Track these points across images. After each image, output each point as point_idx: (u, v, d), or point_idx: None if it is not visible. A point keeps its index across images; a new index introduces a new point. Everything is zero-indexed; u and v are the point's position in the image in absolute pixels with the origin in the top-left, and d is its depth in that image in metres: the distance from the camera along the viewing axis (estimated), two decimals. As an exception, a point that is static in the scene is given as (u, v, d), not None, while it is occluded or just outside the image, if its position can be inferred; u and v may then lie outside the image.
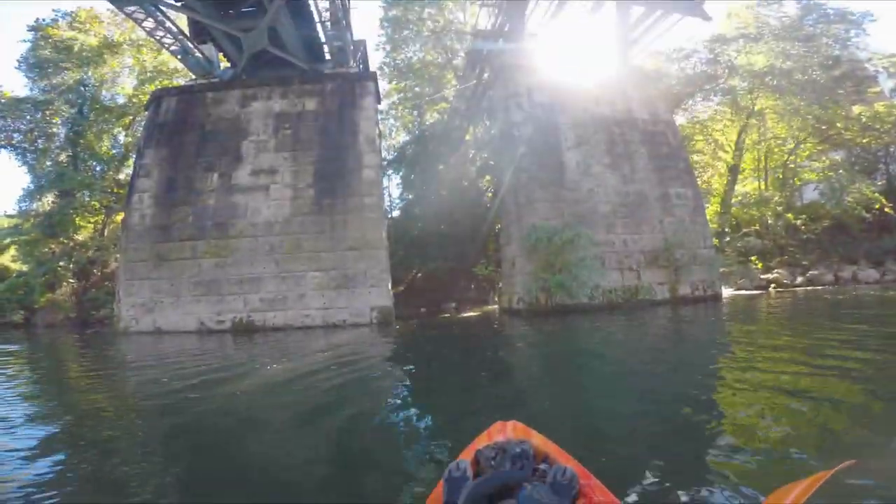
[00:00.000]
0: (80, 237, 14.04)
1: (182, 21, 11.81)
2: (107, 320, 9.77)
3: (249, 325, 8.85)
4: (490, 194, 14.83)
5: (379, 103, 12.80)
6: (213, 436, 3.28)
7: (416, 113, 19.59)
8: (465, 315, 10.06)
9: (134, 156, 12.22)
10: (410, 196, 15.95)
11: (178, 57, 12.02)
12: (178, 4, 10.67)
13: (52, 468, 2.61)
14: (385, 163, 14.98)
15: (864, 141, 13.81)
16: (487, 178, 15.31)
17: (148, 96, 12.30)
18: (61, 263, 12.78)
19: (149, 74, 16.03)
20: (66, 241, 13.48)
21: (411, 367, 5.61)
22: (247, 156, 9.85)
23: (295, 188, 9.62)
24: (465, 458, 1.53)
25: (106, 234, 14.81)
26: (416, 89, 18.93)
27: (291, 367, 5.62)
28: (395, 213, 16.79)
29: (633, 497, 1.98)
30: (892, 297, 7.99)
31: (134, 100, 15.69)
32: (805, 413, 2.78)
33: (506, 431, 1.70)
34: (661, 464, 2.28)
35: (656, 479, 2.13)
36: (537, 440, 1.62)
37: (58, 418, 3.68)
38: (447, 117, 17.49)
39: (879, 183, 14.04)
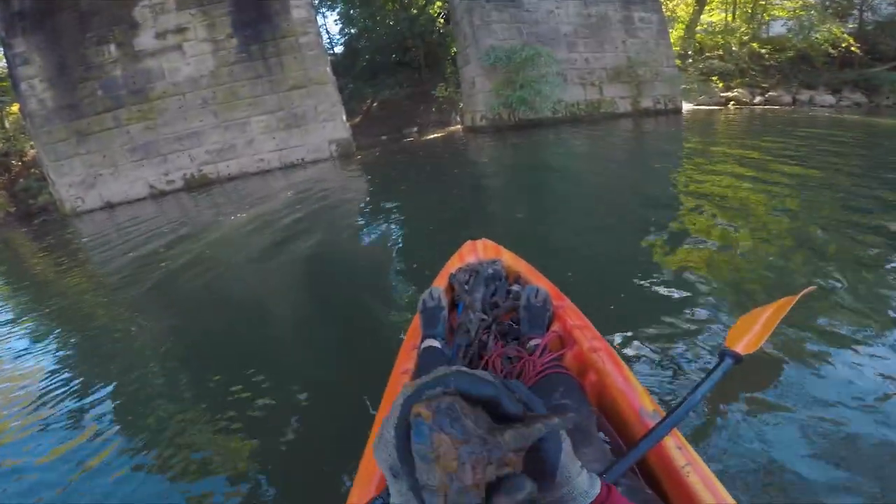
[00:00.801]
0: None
1: None
2: (50, 206, 8.83)
3: (203, 178, 8.41)
4: (442, 21, 13.87)
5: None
6: (196, 294, 3.16)
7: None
8: (429, 137, 9.87)
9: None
10: (353, 30, 14.93)
11: None
12: None
13: (54, 358, 2.44)
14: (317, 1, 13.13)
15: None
16: (438, 3, 13.94)
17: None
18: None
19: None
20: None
21: (379, 192, 5.54)
22: (144, 20, 8.24)
23: (214, 41, 8.37)
24: (439, 284, 1.46)
25: (7, 126, 12.72)
26: None
27: (257, 212, 5.41)
28: (338, 49, 15.69)
29: (601, 320, 1.88)
30: (841, 119, 8.44)
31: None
32: (761, 234, 2.69)
33: (476, 251, 1.63)
34: (625, 284, 2.22)
35: (620, 302, 2.05)
36: (508, 258, 1.58)
37: (42, 312, 3.39)
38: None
39: (851, 26, 13.76)
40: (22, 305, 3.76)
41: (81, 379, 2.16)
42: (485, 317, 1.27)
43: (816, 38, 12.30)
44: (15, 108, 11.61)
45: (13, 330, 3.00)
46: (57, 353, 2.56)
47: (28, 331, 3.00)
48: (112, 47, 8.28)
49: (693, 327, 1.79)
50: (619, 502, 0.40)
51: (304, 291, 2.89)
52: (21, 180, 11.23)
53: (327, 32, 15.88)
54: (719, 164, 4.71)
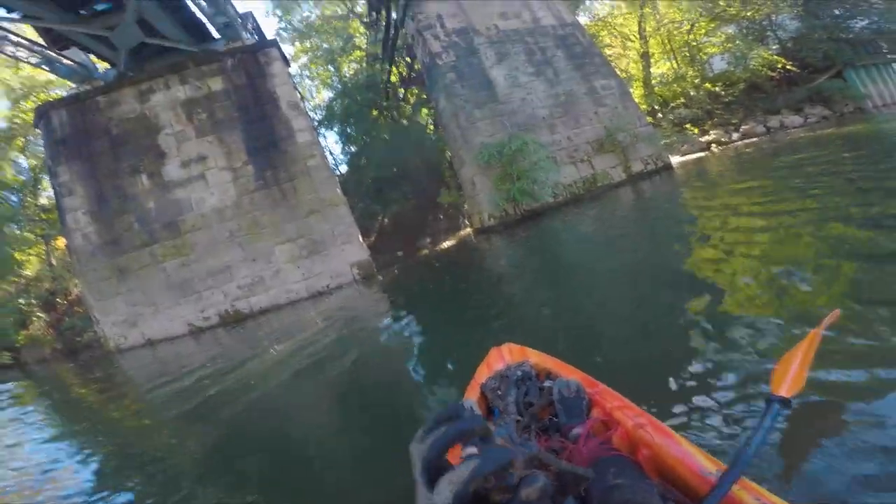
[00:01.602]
0: (28, 272, 13.19)
1: (31, 31, 10.36)
2: (94, 344, 9.34)
3: (237, 314, 8.70)
4: (431, 127, 14.85)
5: (289, 66, 12.13)
6: (244, 427, 3.20)
7: (332, 68, 18.67)
8: (442, 246, 10.24)
9: (46, 177, 11.16)
10: (353, 148, 15.81)
11: (45, 68, 10.68)
12: (16, 17, 9.16)
13: (101, 478, 2.63)
14: (316, 123, 14.53)
15: (748, 14, 14.90)
16: (424, 111, 15.18)
17: (30, 114, 11.04)
18: (21, 300, 12.23)
19: (20, 91, 14.19)
20: (15, 279, 12.74)
21: (402, 310, 5.70)
22: (169, 149, 9.26)
23: (232, 169, 9.23)
24: (471, 396, 1.45)
25: (54, 262, 13.93)
26: (325, 46, 17.93)
27: (293, 343, 5.58)
28: (343, 168, 16.61)
29: (641, 395, 1.87)
30: (820, 136, 8.74)
31: (16, 120, 14.08)
32: (781, 272, 2.72)
33: (503, 356, 1.64)
34: (657, 354, 2.22)
35: (657, 373, 2.03)
36: (535, 358, 1.57)
37: (98, 447, 3.48)
38: (365, 65, 16.86)
39: (774, 47, 15.19)
40: (72, 429, 3.99)
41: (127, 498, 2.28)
42: (519, 418, 1.25)
43: (753, 65, 13.27)
44: (60, 243, 12.63)
45: (69, 450, 3.22)
46: (103, 474, 2.73)
47: (78, 450, 3.21)
48: (144, 177, 9.00)
49: (734, 380, 1.79)
50: None
51: (334, 412, 2.97)
52: (66, 318, 11.98)
53: (331, 153, 17.01)
54: (723, 214, 4.79)
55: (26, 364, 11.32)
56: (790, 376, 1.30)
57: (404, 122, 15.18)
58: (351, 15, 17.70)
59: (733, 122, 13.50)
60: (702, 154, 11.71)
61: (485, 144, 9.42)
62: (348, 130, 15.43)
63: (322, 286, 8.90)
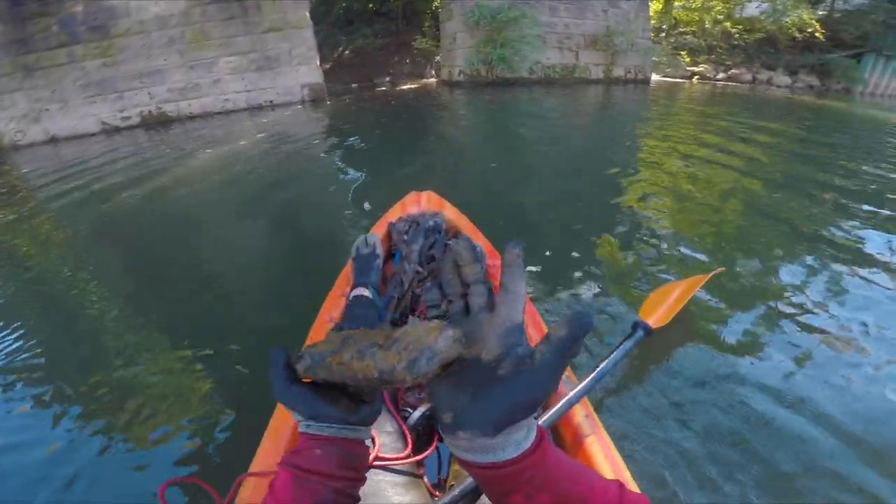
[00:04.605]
0: None
1: None
2: None
3: (161, 116, 7.94)
4: None
5: None
6: (147, 232, 3.09)
7: None
8: (402, 88, 9.73)
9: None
10: None
11: None
12: None
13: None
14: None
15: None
16: None
17: None
18: None
19: None
20: None
21: (346, 138, 5.47)
22: None
23: None
24: (377, 231, 1.42)
25: None
26: None
27: (223, 151, 5.27)
28: None
29: (532, 279, 2.01)
30: (794, 101, 8.97)
31: None
32: (691, 207, 2.90)
33: (420, 202, 1.58)
34: (558, 245, 2.31)
35: (555, 261, 2.12)
36: (451, 213, 1.52)
37: None
38: None
39: (821, 13, 13.99)
40: None
41: (19, 323, 2.09)
42: (420, 269, 1.24)
43: (786, 22, 12.69)
44: None
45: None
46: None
47: None
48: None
49: (613, 296, 1.89)
50: (548, 455, 0.33)
51: (252, 229, 2.93)
52: None
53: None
54: (675, 138, 4.93)
55: None
56: (662, 309, 1.38)
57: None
58: None
59: (727, 62, 13.12)
60: (681, 81, 11.67)
61: (479, 5, 8.66)
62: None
63: (265, 100, 8.40)
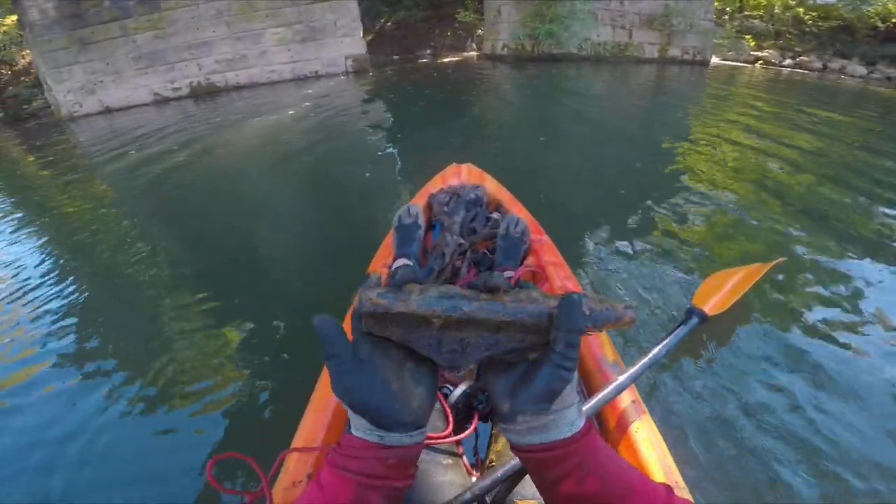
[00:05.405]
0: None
1: None
2: (41, 112, 8.54)
3: (210, 87, 8.20)
4: None
5: None
6: (207, 198, 3.19)
7: None
8: (443, 61, 9.65)
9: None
10: None
11: None
12: None
13: (42, 258, 2.45)
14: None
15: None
16: None
17: None
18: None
19: None
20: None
21: (389, 110, 5.53)
22: None
23: None
24: (418, 202, 1.41)
25: None
26: None
27: (269, 120, 5.42)
28: None
29: (577, 257, 1.97)
30: (867, 90, 7.98)
31: None
32: (756, 193, 2.75)
33: (461, 175, 1.57)
34: (607, 226, 2.26)
35: (600, 244, 2.09)
36: (492, 186, 1.51)
37: (34, 213, 3.30)
38: None
39: None
40: (10, 204, 3.66)
41: (71, 278, 2.22)
42: (462, 241, 1.24)
43: (868, 10, 11.55)
44: (9, 20, 10.87)
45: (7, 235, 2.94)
46: (46, 254, 2.58)
47: (16, 228, 2.98)
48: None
49: (667, 281, 1.81)
50: (597, 442, 0.36)
51: (295, 195, 3.00)
52: (10, 88, 10.79)
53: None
54: (732, 122, 4.64)
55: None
56: (719, 296, 1.30)
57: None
58: None
59: (796, 49, 12.03)
60: (743, 65, 10.92)
61: (529, -23, 8.27)
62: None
63: (310, 71, 8.50)
